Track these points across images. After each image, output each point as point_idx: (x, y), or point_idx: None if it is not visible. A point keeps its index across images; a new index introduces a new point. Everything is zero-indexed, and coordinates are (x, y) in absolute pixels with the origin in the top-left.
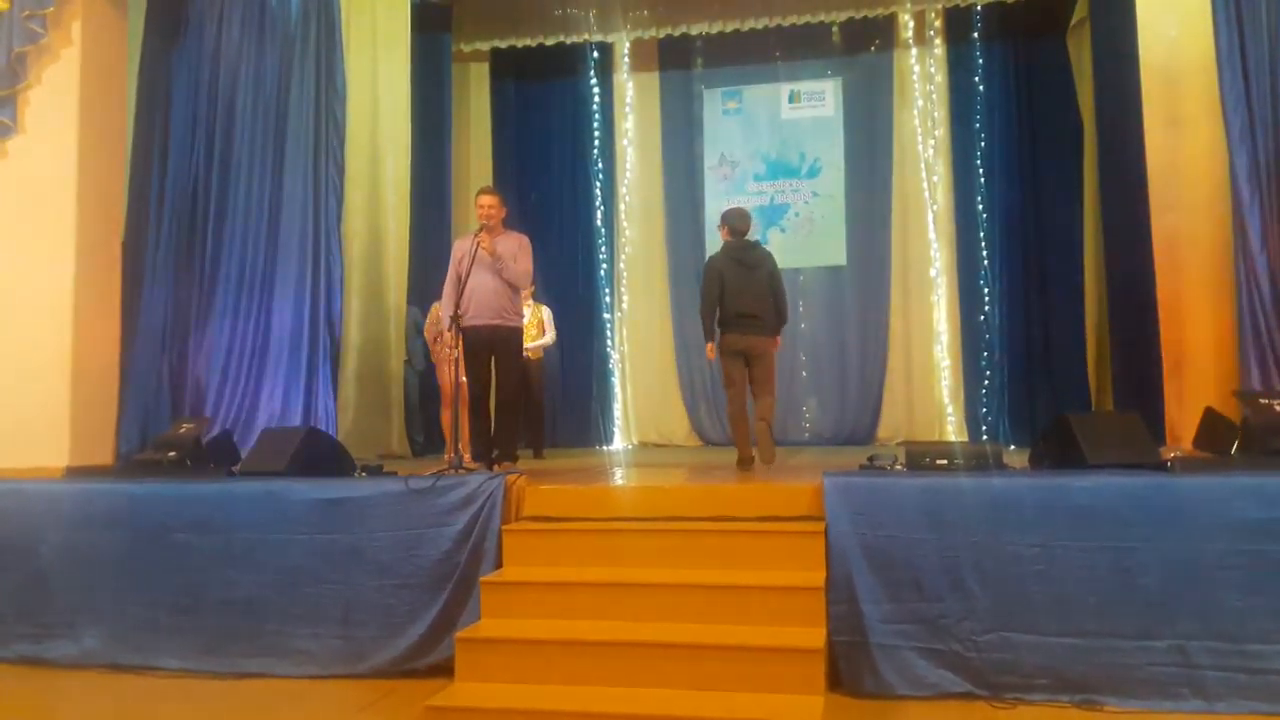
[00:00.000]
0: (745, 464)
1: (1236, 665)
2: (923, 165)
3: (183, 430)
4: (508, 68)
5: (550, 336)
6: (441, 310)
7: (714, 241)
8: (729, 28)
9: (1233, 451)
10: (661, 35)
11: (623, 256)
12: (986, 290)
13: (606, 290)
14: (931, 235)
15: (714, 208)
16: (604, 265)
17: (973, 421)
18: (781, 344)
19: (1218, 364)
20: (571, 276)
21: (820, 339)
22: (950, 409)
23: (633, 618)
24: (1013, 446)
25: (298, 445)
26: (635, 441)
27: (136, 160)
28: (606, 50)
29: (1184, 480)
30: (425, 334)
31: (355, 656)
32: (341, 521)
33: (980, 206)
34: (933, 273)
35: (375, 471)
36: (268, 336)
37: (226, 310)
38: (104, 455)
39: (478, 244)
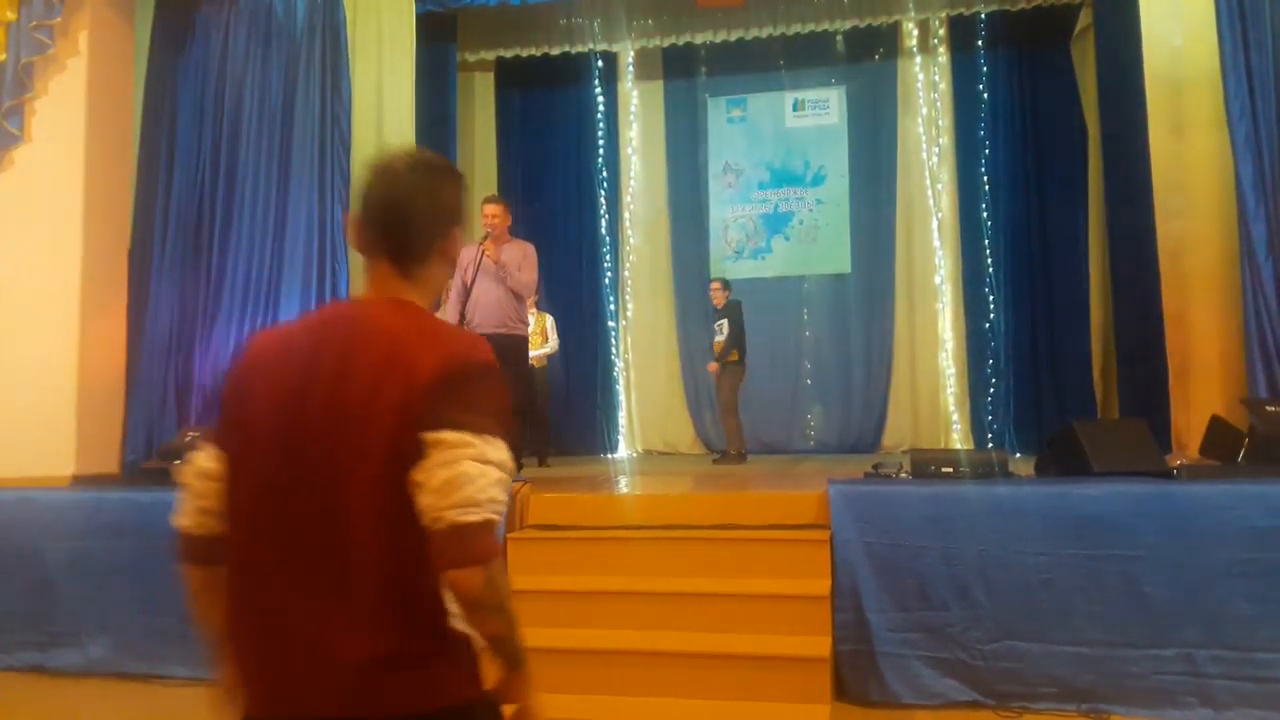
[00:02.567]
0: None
1: (1244, 674)
2: (927, 173)
3: (188, 439)
4: (513, 77)
5: (553, 344)
6: (446, 318)
7: (718, 249)
8: (733, 37)
9: (1239, 459)
10: (666, 44)
11: (627, 264)
12: (991, 298)
13: (611, 298)
14: (936, 243)
15: (718, 216)
16: (608, 273)
17: (978, 429)
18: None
19: (1224, 371)
20: (576, 285)
21: (825, 347)
22: (955, 417)
23: (637, 627)
24: (1018, 454)
25: None
26: (640, 449)
27: (142, 169)
28: (611, 59)
29: (1191, 488)
30: None
31: None
32: None
33: (985, 214)
34: (937, 280)
35: None
36: None
37: (232, 318)
38: (110, 464)
39: (483, 252)
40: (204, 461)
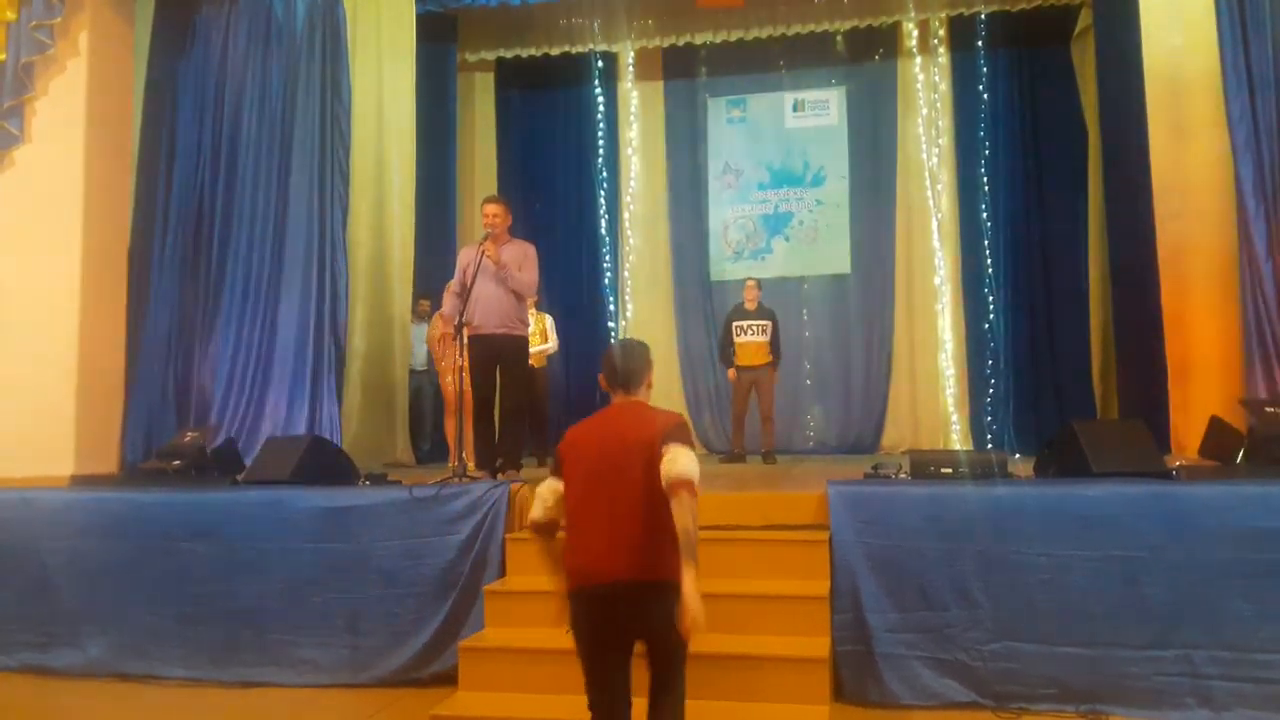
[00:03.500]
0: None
1: (1243, 674)
2: (927, 174)
3: (187, 439)
4: (512, 77)
5: (553, 344)
6: (445, 318)
7: (718, 250)
8: (733, 37)
9: (1238, 460)
10: (666, 45)
11: (627, 265)
12: (991, 298)
13: (611, 299)
14: (936, 243)
15: (718, 216)
16: (608, 274)
17: (977, 430)
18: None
19: (1223, 372)
20: (576, 285)
21: (824, 347)
22: (955, 417)
23: None
24: (1018, 455)
25: (302, 454)
26: None
27: (142, 169)
28: (611, 60)
29: (1190, 489)
30: (428, 343)
31: (360, 665)
32: (346, 530)
33: (984, 215)
34: (937, 281)
35: (379, 480)
36: (273, 345)
37: (231, 319)
38: (109, 464)
39: (483, 252)
40: (553, 486)
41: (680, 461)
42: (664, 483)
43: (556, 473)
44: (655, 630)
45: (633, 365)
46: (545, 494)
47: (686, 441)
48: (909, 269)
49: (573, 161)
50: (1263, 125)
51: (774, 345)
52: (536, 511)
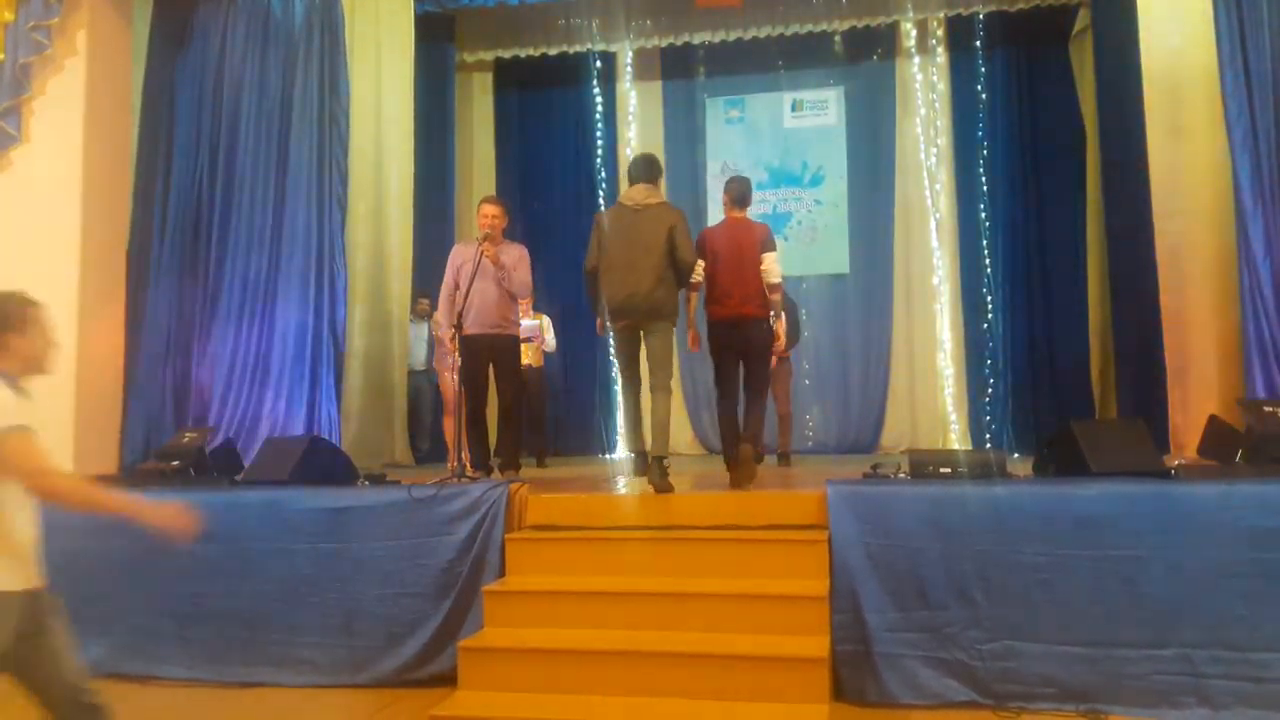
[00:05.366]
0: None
1: (1242, 673)
2: (925, 173)
3: (186, 439)
4: (511, 77)
5: (551, 344)
6: (440, 318)
7: None
8: (731, 37)
9: (1237, 459)
10: (664, 44)
11: None
12: (990, 298)
13: None
14: (934, 243)
15: (716, 216)
16: None
17: (976, 429)
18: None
19: (1222, 371)
20: (575, 285)
21: (823, 347)
22: (954, 417)
23: (636, 627)
24: (1016, 455)
25: (301, 454)
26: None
27: (141, 170)
28: (609, 60)
29: (1188, 488)
30: (437, 335)
31: (358, 666)
32: (344, 531)
33: (983, 214)
34: (935, 281)
35: (378, 480)
36: (271, 345)
37: (230, 319)
38: (108, 464)
39: (481, 252)
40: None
41: (769, 261)
42: (764, 273)
43: (701, 254)
44: (757, 343)
45: (746, 193)
46: (699, 267)
47: (773, 248)
48: (907, 269)
49: (571, 161)
50: (1260, 124)
51: (791, 331)
52: (699, 276)
